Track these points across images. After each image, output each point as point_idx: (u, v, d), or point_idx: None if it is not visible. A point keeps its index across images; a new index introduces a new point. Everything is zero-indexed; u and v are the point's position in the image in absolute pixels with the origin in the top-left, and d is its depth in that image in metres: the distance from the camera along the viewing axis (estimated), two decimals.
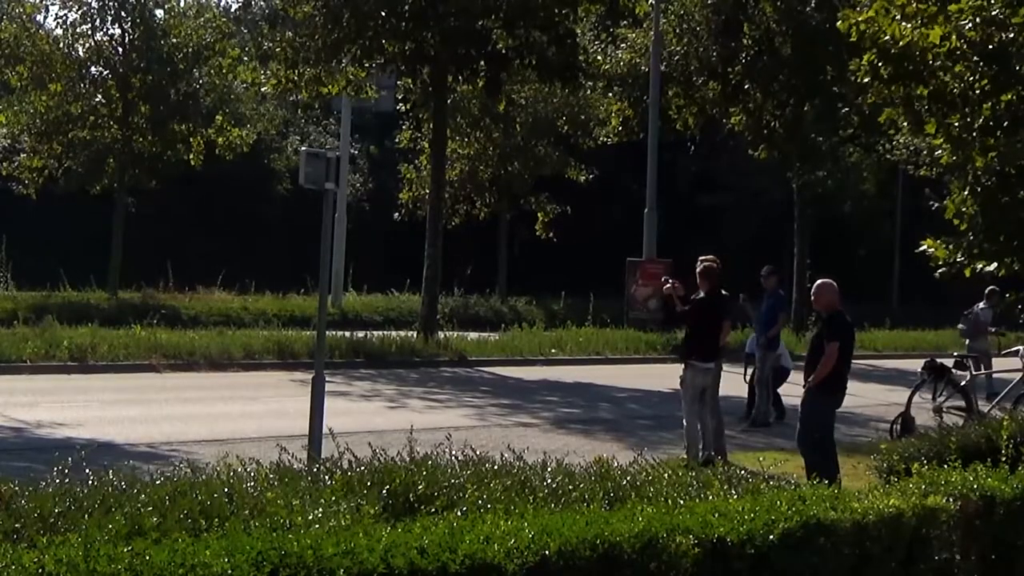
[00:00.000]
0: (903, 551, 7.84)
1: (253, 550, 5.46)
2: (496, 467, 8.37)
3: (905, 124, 15.61)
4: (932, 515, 8.03)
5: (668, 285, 14.62)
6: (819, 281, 12.93)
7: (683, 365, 14.32)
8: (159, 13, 35.32)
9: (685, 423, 14.18)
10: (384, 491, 7.56)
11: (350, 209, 40.56)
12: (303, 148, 12.34)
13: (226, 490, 7.28)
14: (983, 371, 20.04)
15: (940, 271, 15.72)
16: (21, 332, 22.87)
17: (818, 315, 12.76)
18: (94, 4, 34.42)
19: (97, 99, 34.92)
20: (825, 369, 12.26)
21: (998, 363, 21.68)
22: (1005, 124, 14.85)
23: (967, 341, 23.61)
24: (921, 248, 15.85)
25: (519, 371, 25.12)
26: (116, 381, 20.39)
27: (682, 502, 7.49)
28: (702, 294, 14.39)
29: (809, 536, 7.20)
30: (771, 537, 6.96)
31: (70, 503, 6.83)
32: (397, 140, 43.64)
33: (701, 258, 14.81)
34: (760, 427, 17.72)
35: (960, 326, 24.27)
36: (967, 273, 15.56)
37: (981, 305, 23.75)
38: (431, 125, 30.72)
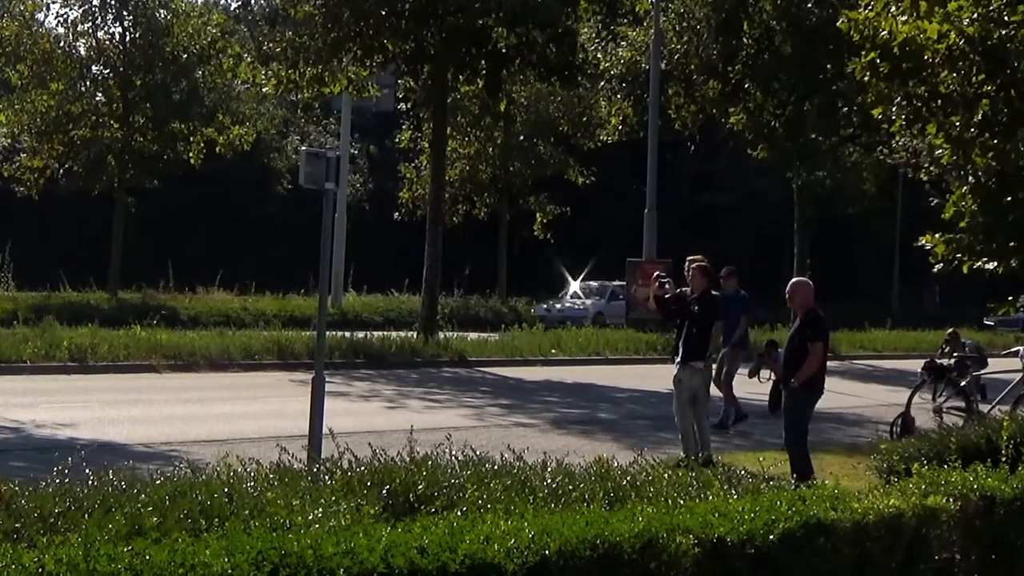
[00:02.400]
0: (903, 551, 7.84)
1: (253, 550, 5.46)
2: (496, 467, 8.37)
3: (900, 121, 15.59)
4: (932, 515, 8.03)
5: (657, 285, 14.50)
6: (793, 280, 13.02)
7: (680, 366, 14.23)
8: (161, 12, 35.34)
9: (680, 424, 14.16)
10: (384, 491, 7.56)
11: (350, 209, 40.60)
12: (303, 148, 12.34)
13: (226, 490, 7.28)
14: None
15: (938, 266, 15.71)
16: (21, 332, 22.88)
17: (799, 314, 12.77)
18: (95, 2, 34.45)
19: (98, 98, 34.95)
20: (811, 369, 12.26)
21: (999, 363, 21.69)
22: (1005, 123, 14.86)
23: None
24: (920, 243, 15.84)
25: (519, 371, 25.12)
26: (116, 381, 20.39)
27: (682, 502, 7.48)
28: (696, 294, 14.30)
29: (809, 536, 7.20)
30: (771, 537, 6.96)
31: (70, 503, 6.83)
32: (397, 140, 43.67)
33: (691, 258, 14.80)
34: (721, 428, 17.59)
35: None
36: (965, 269, 15.56)
37: None
38: (431, 125, 30.73)
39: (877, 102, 15.85)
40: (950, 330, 22.61)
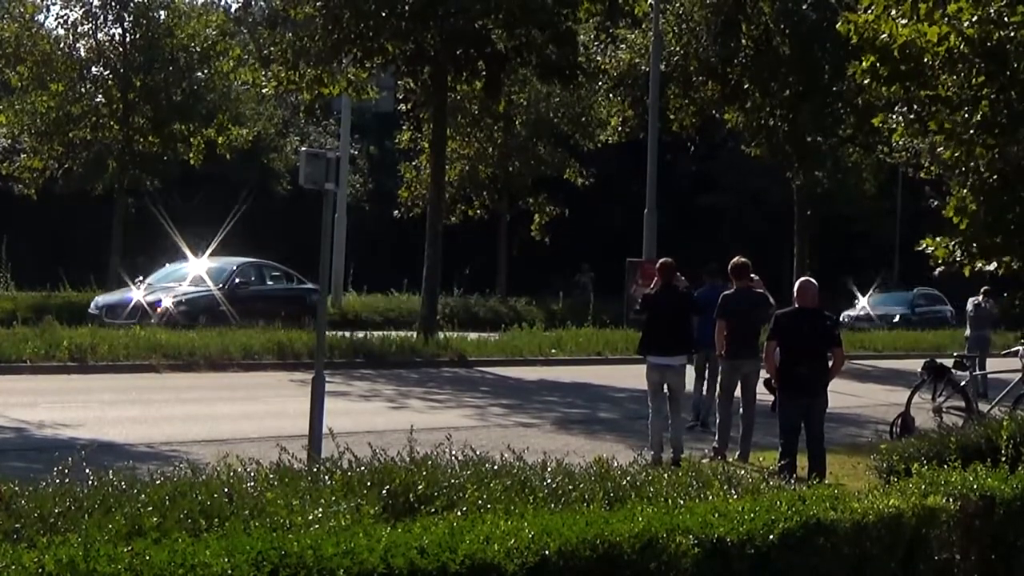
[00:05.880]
0: (903, 551, 7.84)
1: (253, 550, 5.47)
2: (496, 467, 8.38)
3: (901, 127, 15.63)
4: (932, 515, 8.03)
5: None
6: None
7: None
8: (161, 14, 35.32)
9: (649, 417, 14.41)
10: (384, 491, 7.57)
11: (350, 209, 40.58)
12: (303, 148, 12.35)
13: (226, 490, 7.28)
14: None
15: (939, 269, 15.73)
16: (21, 332, 22.85)
17: None
18: (95, 4, 34.44)
19: (98, 99, 34.94)
20: (766, 366, 13.03)
21: (999, 363, 21.70)
22: (1004, 123, 14.88)
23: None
24: (920, 247, 15.86)
25: (519, 371, 25.11)
26: (116, 381, 20.37)
27: (682, 502, 7.49)
28: (653, 290, 14.63)
29: (809, 536, 7.21)
30: (771, 537, 6.96)
31: (70, 503, 6.83)
32: (397, 140, 43.65)
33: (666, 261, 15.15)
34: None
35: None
36: (966, 272, 15.58)
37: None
38: (431, 125, 30.72)
39: (877, 110, 15.91)
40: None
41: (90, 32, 34.83)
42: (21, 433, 14.73)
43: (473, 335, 29.17)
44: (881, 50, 14.79)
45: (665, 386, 14.39)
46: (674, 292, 14.51)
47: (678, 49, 33.81)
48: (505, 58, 27.54)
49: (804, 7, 32.53)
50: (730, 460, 13.55)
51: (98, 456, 8.58)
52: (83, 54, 35.06)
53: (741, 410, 14.87)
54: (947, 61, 14.70)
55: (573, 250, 49.83)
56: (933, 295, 46.10)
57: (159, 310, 26.95)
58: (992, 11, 14.46)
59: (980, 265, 15.38)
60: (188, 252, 31.12)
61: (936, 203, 16.66)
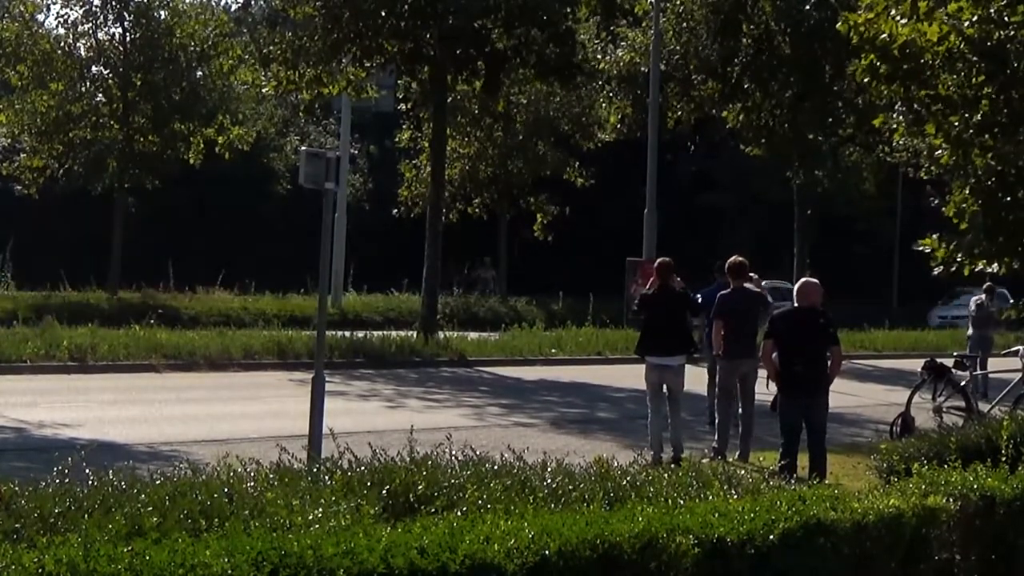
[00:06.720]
0: (903, 551, 7.84)
1: (253, 550, 5.47)
2: (496, 467, 8.38)
3: (902, 125, 15.62)
4: (932, 515, 8.03)
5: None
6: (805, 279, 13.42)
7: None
8: (162, 13, 35.32)
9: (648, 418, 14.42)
10: (384, 491, 7.57)
11: (350, 209, 40.58)
12: (303, 148, 12.35)
13: (226, 490, 7.28)
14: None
15: (938, 269, 15.72)
16: (21, 332, 22.87)
17: None
18: (96, 3, 34.44)
19: (98, 99, 34.93)
20: (764, 366, 13.03)
21: (999, 363, 21.71)
22: (1004, 123, 14.87)
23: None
24: (920, 247, 15.85)
25: (518, 371, 25.11)
26: (116, 381, 20.38)
27: (682, 502, 7.49)
28: (651, 291, 14.58)
29: (809, 536, 7.21)
30: (771, 537, 6.96)
31: (70, 503, 6.83)
32: (397, 140, 43.66)
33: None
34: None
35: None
36: (966, 272, 15.57)
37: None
38: (431, 124, 30.73)
39: (877, 110, 15.90)
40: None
41: (90, 31, 34.83)
42: (21, 433, 14.74)
43: (473, 335, 29.18)
44: (881, 49, 14.78)
45: (664, 386, 14.38)
46: (672, 292, 14.48)
47: (678, 48, 33.81)
48: (504, 57, 27.55)
49: (805, 7, 32.50)
50: (730, 460, 13.54)
51: (98, 456, 8.57)
52: (83, 53, 35.04)
53: (740, 410, 14.87)
54: (947, 61, 14.70)
55: (573, 249, 49.84)
56: (779, 288, 42.98)
57: None
58: (992, 11, 14.45)
59: (981, 265, 15.37)
60: None
61: (936, 202, 16.64)
